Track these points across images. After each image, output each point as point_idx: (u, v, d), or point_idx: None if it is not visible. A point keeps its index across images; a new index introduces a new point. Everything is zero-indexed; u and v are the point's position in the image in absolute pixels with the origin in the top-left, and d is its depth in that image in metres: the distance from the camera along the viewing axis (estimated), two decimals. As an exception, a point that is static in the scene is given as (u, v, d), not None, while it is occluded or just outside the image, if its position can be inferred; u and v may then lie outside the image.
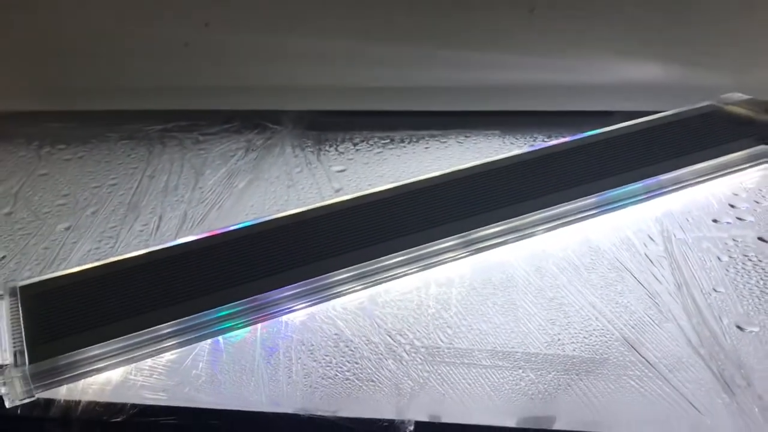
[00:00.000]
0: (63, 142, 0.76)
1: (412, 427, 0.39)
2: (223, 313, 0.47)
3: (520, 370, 0.42)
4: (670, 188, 0.59)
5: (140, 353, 0.45)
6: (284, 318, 0.48)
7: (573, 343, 0.44)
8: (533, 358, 0.43)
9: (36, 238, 0.59)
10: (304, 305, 0.49)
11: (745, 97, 0.71)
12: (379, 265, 0.51)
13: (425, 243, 0.52)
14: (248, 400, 0.41)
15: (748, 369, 0.42)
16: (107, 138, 0.77)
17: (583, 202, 0.56)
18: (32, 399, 0.41)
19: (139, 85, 0.83)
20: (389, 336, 0.46)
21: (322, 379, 0.43)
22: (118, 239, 0.58)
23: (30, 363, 0.42)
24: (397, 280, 0.51)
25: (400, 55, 0.78)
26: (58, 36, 0.82)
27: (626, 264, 0.51)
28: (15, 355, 0.43)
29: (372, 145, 0.72)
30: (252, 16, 0.79)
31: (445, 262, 0.52)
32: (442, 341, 0.45)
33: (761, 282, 0.49)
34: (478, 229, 0.54)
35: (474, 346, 0.44)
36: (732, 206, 0.57)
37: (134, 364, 0.44)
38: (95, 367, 0.43)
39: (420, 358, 0.44)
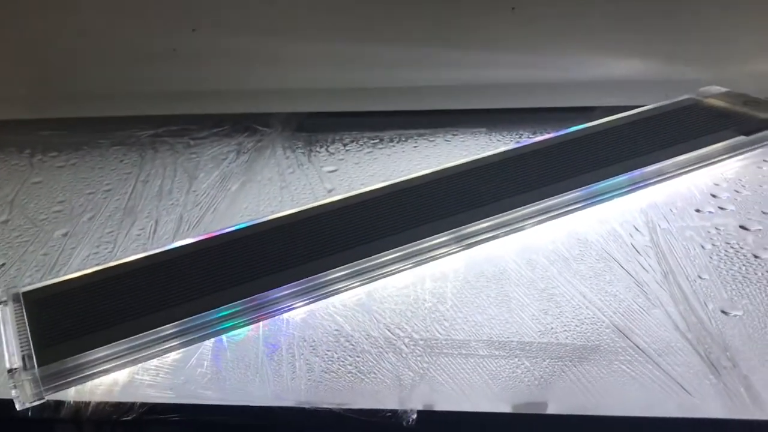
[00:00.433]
0: (55, 149, 0.77)
1: (414, 416, 0.40)
2: (225, 312, 0.48)
3: (516, 359, 0.44)
4: (654, 180, 0.61)
5: (145, 354, 0.46)
6: (285, 316, 0.49)
7: (565, 331, 0.46)
8: (528, 347, 0.45)
9: (34, 245, 0.60)
10: (303, 303, 0.50)
11: (723, 90, 0.73)
12: (374, 262, 0.52)
13: (418, 240, 0.54)
14: (254, 396, 0.42)
15: (733, 351, 0.43)
16: (99, 144, 0.77)
17: (569, 196, 0.58)
18: (42, 401, 0.42)
19: (129, 91, 0.84)
20: (388, 330, 0.47)
21: (325, 373, 0.44)
22: (116, 244, 0.59)
23: (39, 366, 0.43)
24: (393, 276, 0.52)
25: (386, 57, 0.80)
26: (45, 44, 0.83)
27: (613, 254, 0.53)
28: (23, 359, 0.43)
29: (362, 145, 0.73)
30: (238, 21, 0.80)
31: (439, 258, 0.54)
32: (439, 333, 0.46)
33: (743, 268, 0.50)
34: (469, 225, 0.55)
35: (471, 337, 0.46)
36: (713, 196, 0.59)
37: (140, 365, 0.45)
38: (102, 368, 0.44)
39: (419, 350, 0.45)
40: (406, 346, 0.46)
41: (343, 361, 0.45)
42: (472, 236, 0.55)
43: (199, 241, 0.56)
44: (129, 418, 0.42)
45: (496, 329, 0.47)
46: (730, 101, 0.71)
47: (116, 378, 0.44)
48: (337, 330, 0.47)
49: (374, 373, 0.44)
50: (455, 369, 0.43)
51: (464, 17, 0.78)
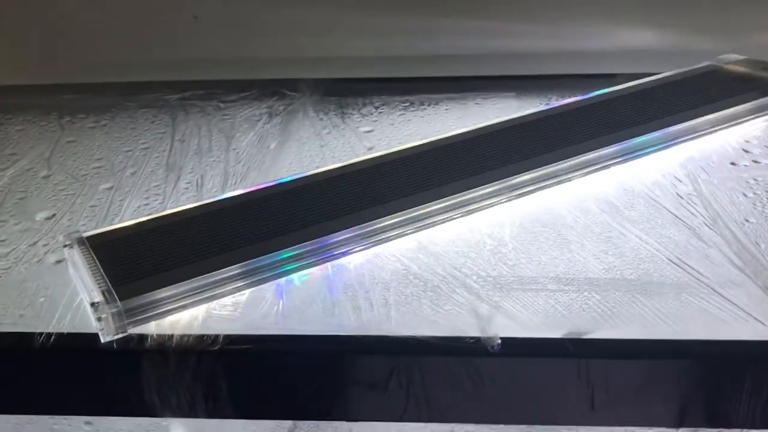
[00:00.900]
0: (82, 111, 0.76)
1: (499, 341, 0.41)
2: (291, 253, 0.49)
3: (586, 293, 0.45)
4: (687, 137, 0.63)
5: (219, 291, 0.46)
6: (350, 258, 0.50)
7: (629, 269, 0.47)
8: (596, 282, 0.46)
9: (81, 197, 0.60)
10: (366, 246, 0.51)
11: (741, 57, 0.76)
12: (430, 209, 0.53)
13: (470, 188, 0.55)
14: (337, 326, 0.43)
15: (789, 284, 0.46)
16: (126, 107, 0.77)
17: (610, 150, 0.60)
18: (125, 334, 0.43)
19: (152, 57, 0.83)
20: (455, 269, 0.48)
21: (401, 305, 0.45)
22: (165, 196, 0.59)
23: (120, 300, 0.43)
24: (449, 223, 0.53)
25: (410, 26, 0.81)
26: (64, 10, 0.82)
27: (661, 202, 0.55)
28: (104, 294, 0.44)
29: (393, 108, 0.74)
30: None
31: (492, 206, 0.55)
32: (506, 272, 0.48)
33: (786, 213, 0.53)
34: (519, 175, 0.56)
35: (538, 274, 0.47)
36: (746, 151, 0.62)
37: (216, 302, 0.46)
38: (180, 304, 0.45)
39: (489, 286, 0.46)
40: (476, 282, 0.47)
41: (417, 296, 0.46)
42: (522, 186, 0.56)
43: (253, 191, 0.57)
44: (215, 348, 0.42)
45: (561, 267, 0.48)
46: (750, 67, 0.74)
47: (194, 314, 0.45)
48: (404, 269, 0.48)
49: (450, 305, 0.45)
50: (529, 302, 0.45)
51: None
